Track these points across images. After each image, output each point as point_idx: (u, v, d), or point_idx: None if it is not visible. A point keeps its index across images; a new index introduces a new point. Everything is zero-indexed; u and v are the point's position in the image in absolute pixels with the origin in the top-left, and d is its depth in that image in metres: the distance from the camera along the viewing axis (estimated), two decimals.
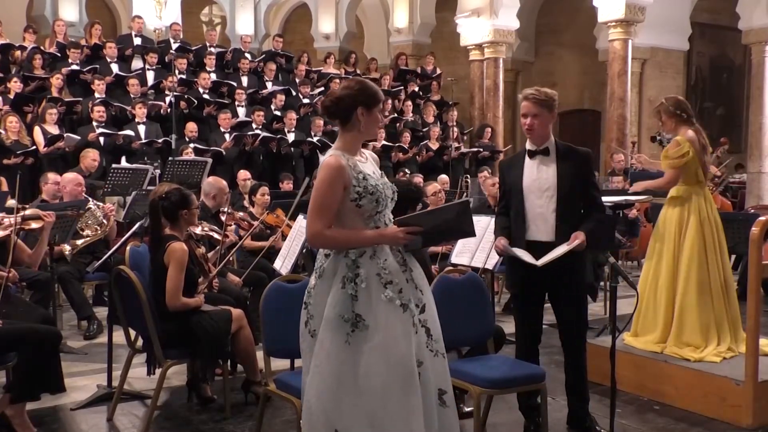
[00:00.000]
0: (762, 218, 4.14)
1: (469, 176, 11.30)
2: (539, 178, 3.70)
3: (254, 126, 10.47)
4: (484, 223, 5.27)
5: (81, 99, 9.73)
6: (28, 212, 4.21)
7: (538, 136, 3.71)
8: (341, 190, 2.74)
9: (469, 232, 3.03)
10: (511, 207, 3.78)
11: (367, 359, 2.70)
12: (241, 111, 10.89)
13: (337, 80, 12.46)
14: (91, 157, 7.57)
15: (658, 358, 4.49)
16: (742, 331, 4.51)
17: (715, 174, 10.06)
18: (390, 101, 12.26)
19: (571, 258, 3.62)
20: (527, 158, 3.76)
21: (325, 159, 2.80)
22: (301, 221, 5.45)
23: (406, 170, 10.16)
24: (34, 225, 4.18)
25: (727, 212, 8.80)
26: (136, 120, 9.61)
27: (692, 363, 4.35)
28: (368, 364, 2.70)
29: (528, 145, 3.77)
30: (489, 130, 12.78)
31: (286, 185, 8.98)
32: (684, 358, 4.40)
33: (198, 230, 4.49)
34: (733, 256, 8.24)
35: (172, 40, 12.08)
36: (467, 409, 3.98)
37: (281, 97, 11.28)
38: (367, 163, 2.88)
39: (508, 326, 5.24)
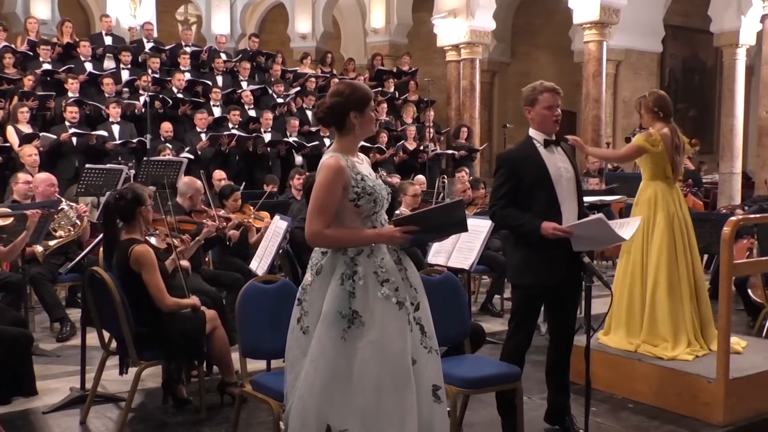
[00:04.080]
0: (733, 218, 4.21)
1: (446, 177, 11.34)
2: (561, 167, 3.71)
3: (230, 125, 10.41)
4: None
5: (54, 93, 9.60)
6: None
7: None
8: (341, 190, 2.80)
9: (462, 229, 3.10)
10: (535, 198, 3.65)
11: (362, 355, 2.75)
12: (217, 111, 10.82)
13: (313, 80, 12.45)
14: (27, 153, 7.35)
15: (631, 356, 4.54)
16: (714, 329, 4.56)
17: (688, 168, 10.24)
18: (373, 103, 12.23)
19: (575, 253, 3.66)
20: (542, 148, 3.71)
21: (325, 160, 2.85)
22: (277, 221, 5.43)
23: (381, 170, 10.16)
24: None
25: (699, 212, 8.93)
26: (110, 120, 9.51)
27: (665, 361, 4.40)
28: (363, 360, 2.74)
29: (540, 136, 3.72)
30: (465, 129, 12.84)
31: (270, 188, 8.89)
32: (657, 356, 4.45)
33: (153, 240, 4.42)
34: (706, 256, 8.38)
35: (145, 40, 11.96)
36: None
37: (249, 94, 11.16)
38: (364, 164, 2.95)
39: (485, 325, 5.27)
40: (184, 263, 4.67)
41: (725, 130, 13.39)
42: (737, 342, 4.60)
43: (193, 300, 4.18)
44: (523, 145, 3.78)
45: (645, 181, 4.70)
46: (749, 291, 6.12)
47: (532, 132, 3.78)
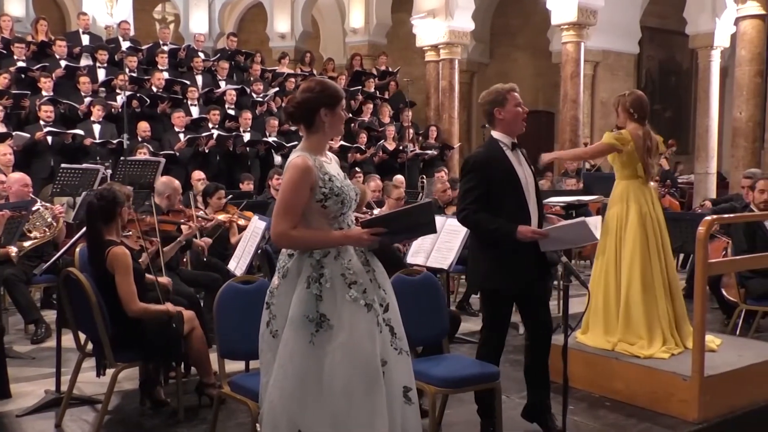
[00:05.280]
0: (708, 218, 4.25)
1: (425, 177, 11.38)
2: (525, 171, 3.73)
3: (210, 125, 10.34)
4: (439, 224, 5.30)
5: (29, 92, 9.48)
6: None
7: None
8: (308, 190, 2.75)
9: (431, 230, 3.07)
10: (505, 202, 3.64)
11: (332, 359, 2.72)
12: (195, 110, 10.75)
13: (293, 79, 12.42)
14: (1, 153, 7.22)
15: (608, 355, 4.57)
16: (689, 327, 4.61)
17: (664, 167, 10.38)
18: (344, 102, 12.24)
19: (540, 254, 3.70)
20: (509, 152, 3.71)
21: (293, 159, 2.80)
22: (255, 222, 5.41)
23: (358, 170, 10.16)
24: None
25: (674, 212, 9.04)
26: (92, 119, 9.41)
27: (641, 359, 4.44)
28: (332, 364, 2.71)
29: (508, 139, 3.74)
30: (434, 129, 12.89)
31: (246, 186, 8.89)
32: (633, 354, 4.48)
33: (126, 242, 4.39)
34: (681, 255, 8.49)
35: (121, 39, 11.84)
36: (423, 407, 3.99)
37: (232, 93, 11.16)
38: (332, 164, 2.90)
39: (463, 325, 5.29)
40: (164, 280, 4.55)
41: (700, 130, 13.55)
42: (712, 340, 4.66)
43: (166, 307, 4.11)
44: (490, 149, 3.76)
45: (617, 179, 4.75)
46: (723, 290, 6.19)
47: (497, 135, 3.77)
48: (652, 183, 4.80)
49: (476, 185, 3.66)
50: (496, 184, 3.65)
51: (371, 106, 12.64)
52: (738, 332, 5.84)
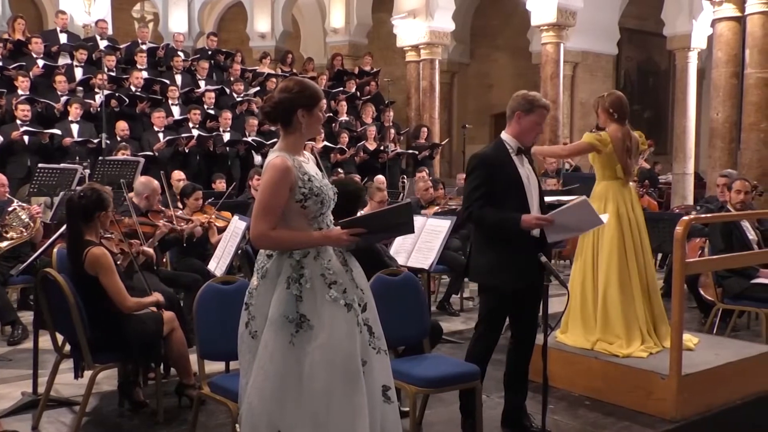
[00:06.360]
0: (685, 218, 4.30)
1: (406, 177, 11.39)
2: (528, 175, 3.79)
3: (191, 125, 10.27)
4: (420, 224, 5.32)
5: (5, 90, 9.36)
6: None
7: None
8: (287, 191, 2.74)
9: (408, 230, 3.07)
10: (508, 202, 3.68)
11: (312, 359, 2.71)
12: (175, 110, 10.66)
13: (274, 79, 12.38)
14: None
15: (588, 354, 4.60)
16: (667, 326, 4.65)
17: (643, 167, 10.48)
18: (324, 102, 12.22)
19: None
20: (513, 155, 3.76)
21: (271, 160, 2.78)
22: (235, 222, 5.38)
23: (340, 170, 10.15)
24: None
25: (653, 212, 9.12)
26: (70, 118, 9.30)
27: (620, 359, 4.47)
28: (312, 364, 2.71)
29: (515, 143, 3.78)
30: (425, 129, 12.93)
31: (219, 185, 8.85)
32: (613, 353, 4.52)
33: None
34: (660, 255, 8.58)
35: (98, 38, 11.72)
36: (403, 409, 4.00)
37: (211, 95, 11.11)
38: (310, 164, 2.89)
39: (443, 324, 5.30)
40: (149, 250, 4.65)
41: (678, 131, 13.70)
42: (689, 339, 4.71)
43: (155, 297, 4.12)
44: (496, 149, 3.80)
45: (597, 180, 4.78)
46: (700, 290, 6.26)
47: (506, 137, 3.81)
48: (631, 183, 4.84)
49: (482, 183, 3.70)
50: (499, 184, 3.70)
51: (345, 105, 12.62)
52: (715, 331, 5.91)
